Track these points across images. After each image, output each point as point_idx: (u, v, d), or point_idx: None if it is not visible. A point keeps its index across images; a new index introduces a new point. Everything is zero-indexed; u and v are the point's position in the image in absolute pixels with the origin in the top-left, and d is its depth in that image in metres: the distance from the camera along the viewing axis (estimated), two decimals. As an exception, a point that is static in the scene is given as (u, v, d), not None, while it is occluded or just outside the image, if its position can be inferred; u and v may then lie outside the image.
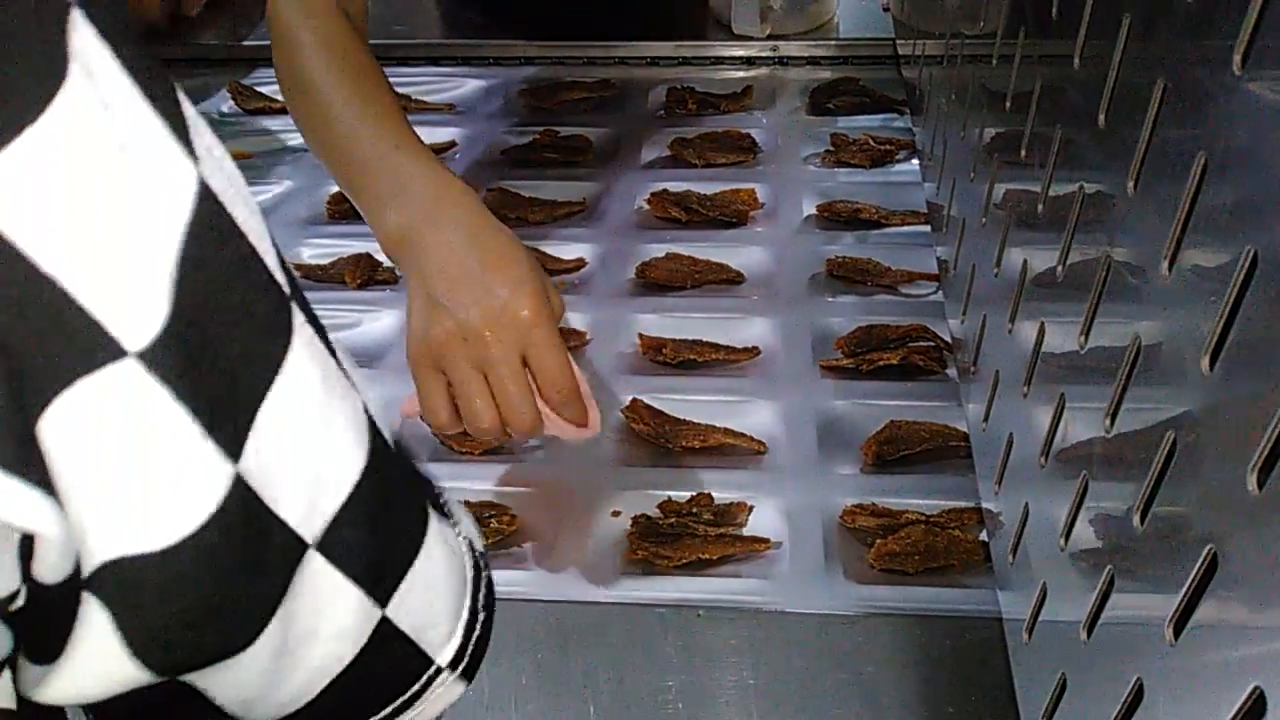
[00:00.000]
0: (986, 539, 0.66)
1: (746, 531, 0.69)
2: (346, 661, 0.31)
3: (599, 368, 0.82)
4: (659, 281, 0.90)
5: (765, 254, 0.94)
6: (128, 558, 0.24)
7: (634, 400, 0.77)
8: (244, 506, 0.26)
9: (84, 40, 0.22)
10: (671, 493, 0.71)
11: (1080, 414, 0.47)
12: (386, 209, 0.65)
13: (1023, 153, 0.59)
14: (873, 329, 0.83)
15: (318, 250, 0.97)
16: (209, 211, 0.25)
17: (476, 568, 0.36)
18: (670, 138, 1.08)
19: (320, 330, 0.29)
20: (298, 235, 0.99)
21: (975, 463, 0.70)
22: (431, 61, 1.29)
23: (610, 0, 1.32)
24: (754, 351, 0.83)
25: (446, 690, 0.35)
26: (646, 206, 0.99)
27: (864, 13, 1.30)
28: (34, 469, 0.22)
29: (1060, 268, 0.51)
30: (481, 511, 0.70)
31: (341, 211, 1.00)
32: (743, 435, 0.75)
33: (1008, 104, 0.63)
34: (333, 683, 0.31)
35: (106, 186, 0.23)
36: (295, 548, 0.28)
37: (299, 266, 0.95)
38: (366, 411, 0.30)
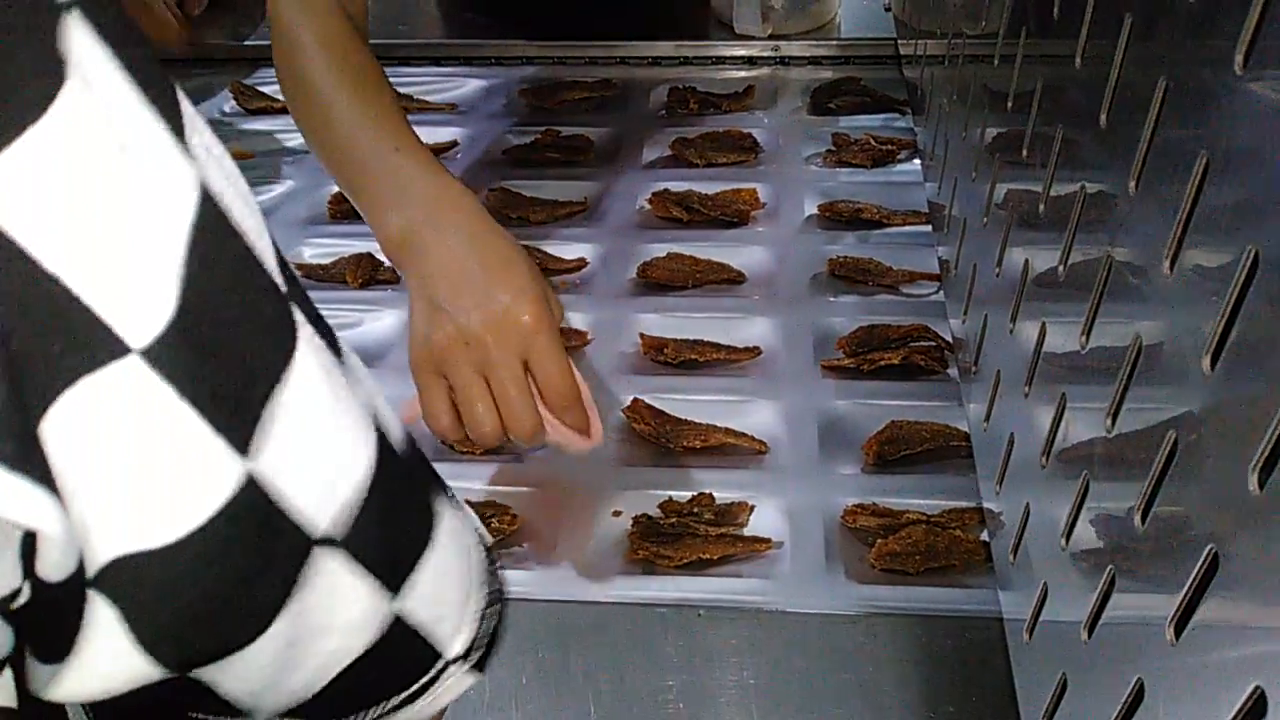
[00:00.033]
0: (987, 539, 0.66)
1: (747, 531, 0.69)
2: (357, 654, 0.31)
3: (600, 367, 0.82)
4: (660, 281, 0.90)
5: (766, 254, 0.94)
6: (134, 555, 0.24)
7: (635, 400, 0.77)
8: (254, 502, 0.26)
9: (82, 41, 0.22)
10: (672, 492, 0.71)
11: (1081, 414, 0.47)
12: (387, 211, 0.65)
13: (1024, 152, 0.59)
14: (874, 329, 0.83)
15: (319, 250, 0.97)
16: (210, 212, 0.25)
17: (487, 560, 0.37)
18: (672, 137, 1.08)
19: (323, 328, 0.29)
20: (299, 235, 0.99)
21: (976, 462, 0.70)
22: (433, 61, 1.29)
23: (612, 0, 1.32)
24: (755, 351, 0.83)
25: (456, 682, 0.35)
26: (648, 206, 1.00)
27: (866, 13, 1.30)
28: (36, 466, 0.22)
29: (1061, 267, 0.51)
30: (482, 511, 0.70)
31: (343, 211, 1.00)
32: (744, 435, 0.75)
33: (1009, 104, 0.63)
34: (342, 674, 0.31)
35: (108, 186, 0.23)
36: (307, 542, 0.28)
37: (300, 266, 0.95)
38: (371, 406, 0.30)
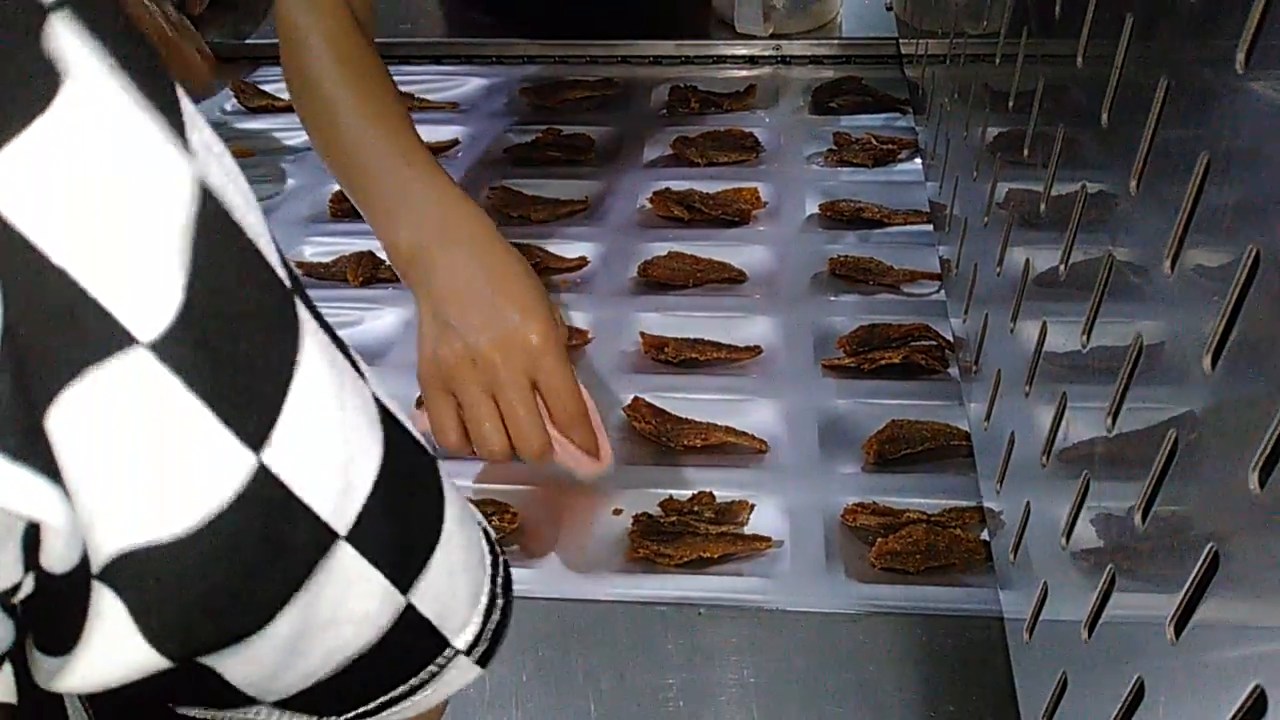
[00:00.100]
0: (988, 538, 0.66)
1: (748, 530, 0.69)
2: (365, 644, 0.31)
3: (601, 366, 0.82)
4: (661, 280, 0.90)
5: (767, 253, 0.94)
6: (141, 548, 0.24)
7: (635, 399, 0.77)
8: (263, 494, 0.26)
9: (70, 41, 0.23)
10: (673, 491, 0.71)
11: (1082, 413, 0.47)
12: (397, 226, 0.66)
13: (1025, 152, 0.59)
14: (875, 328, 0.83)
15: (320, 248, 0.97)
16: (211, 208, 0.25)
17: (493, 553, 0.37)
18: (673, 136, 1.08)
19: (325, 325, 0.29)
20: (300, 233, 0.99)
21: (977, 462, 0.70)
22: (434, 60, 1.29)
23: (613, -1, 1.33)
24: (756, 350, 0.83)
25: (460, 674, 0.35)
26: (649, 205, 1.00)
27: (867, 12, 1.30)
28: (41, 458, 0.22)
29: (1062, 267, 0.51)
30: (482, 509, 0.70)
31: (344, 210, 1.00)
32: (744, 434, 0.75)
33: (1010, 103, 0.63)
34: (349, 663, 0.31)
35: (111, 181, 0.23)
36: (326, 537, 0.28)
37: (301, 264, 0.95)
38: (377, 401, 0.30)
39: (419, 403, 0.76)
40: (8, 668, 0.26)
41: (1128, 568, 0.40)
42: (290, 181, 1.07)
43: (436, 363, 0.63)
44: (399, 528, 0.31)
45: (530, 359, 0.62)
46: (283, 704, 0.32)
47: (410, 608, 0.31)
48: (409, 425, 0.32)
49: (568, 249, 0.95)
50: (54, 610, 0.25)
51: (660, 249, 0.93)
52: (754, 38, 1.25)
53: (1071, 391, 0.49)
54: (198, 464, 0.25)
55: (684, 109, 1.15)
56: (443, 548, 0.32)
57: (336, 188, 1.03)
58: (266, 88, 1.22)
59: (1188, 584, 0.33)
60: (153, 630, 0.25)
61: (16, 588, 0.24)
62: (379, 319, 0.89)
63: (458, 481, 0.71)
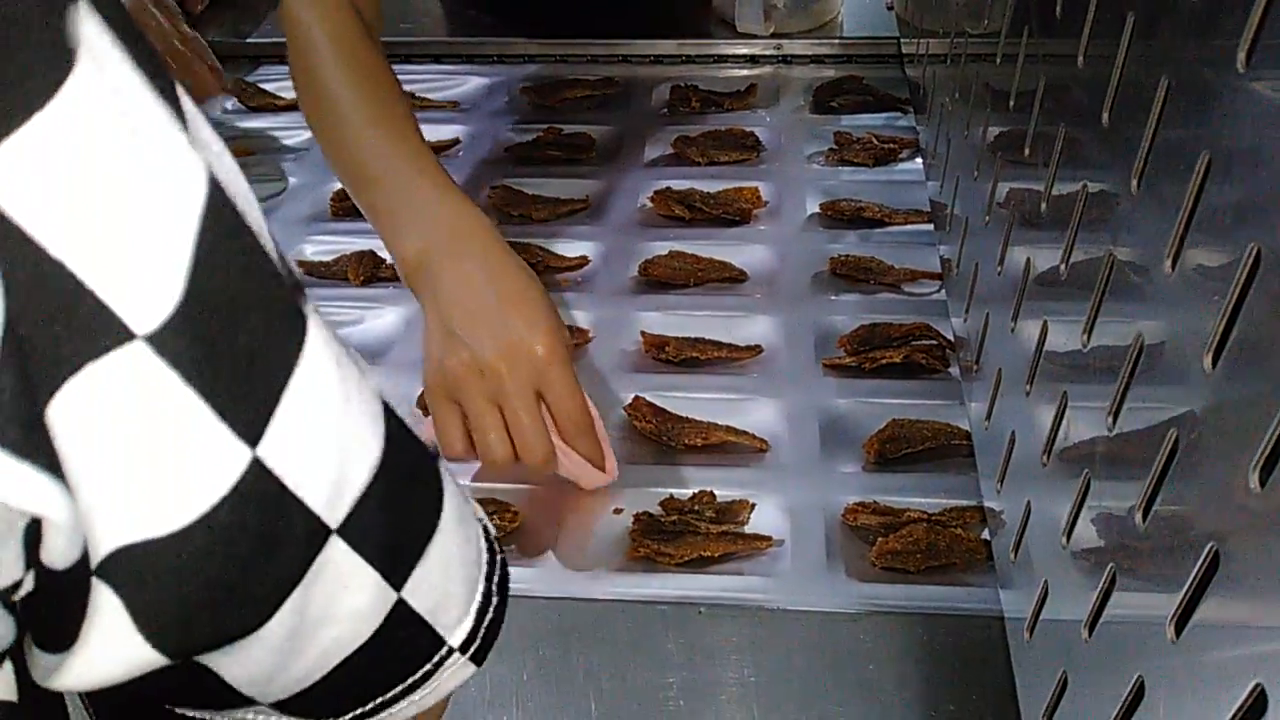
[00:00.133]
0: (988, 537, 0.66)
1: (748, 529, 0.69)
2: (360, 642, 0.31)
3: (601, 365, 0.82)
4: (662, 279, 0.90)
5: (768, 252, 0.94)
6: (138, 543, 0.24)
7: (636, 398, 0.77)
8: (262, 490, 0.26)
9: (91, 29, 0.23)
10: (673, 490, 0.71)
11: (1082, 413, 0.47)
12: (404, 235, 0.66)
13: (1026, 151, 0.59)
14: (875, 327, 0.83)
15: (321, 247, 0.97)
16: (219, 202, 0.25)
17: (491, 550, 0.37)
18: (673, 135, 1.08)
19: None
20: (301, 232, 0.99)
21: (977, 461, 0.70)
22: (435, 59, 1.29)
23: (614, -2, 1.32)
24: (756, 349, 0.83)
25: (456, 672, 0.35)
26: (649, 204, 1.00)
27: (868, 11, 1.30)
28: (42, 453, 0.22)
29: (1063, 266, 0.51)
30: (483, 508, 0.70)
31: (345, 209, 1.00)
32: (745, 433, 0.75)
33: (1011, 103, 0.63)
34: (344, 662, 0.31)
35: (117, 171, 0.23)
36: (319, 532, 0.28)
37: (302, 263, 0.95)
38: (380, 397, 0.30)
39: (419, 402, 0.77)
40: (8, 665, 0.26)
41: (1128, 567, 0.40)
42: (291, 180, 1.07)
43: (443, 372, 0.63)
44: (394, 524, 0.31)
45: (536, 370, 0.63)
46: (281, 705, 0.32)
47: (403, 603, 0.32)
48: (420, 418, 0.32)
49: (568, 248, 0.95)
50: (53, 607, 0.25)
51: (661, 248, 0.93)
52: (755, 37, 1.25)
53: (1072, 391, 0.49)
54: (193, 459, 0.25)
55: (685, 108, 1.15)
56: (437, 544, 0.32)
57: (337, 186, 1.03)
58: (267, 86, 1.22)
59: (1188, 583, 0.33)
60: (150, 627, 0.26)
61: (17, 585, 0.24)
62: (380, 318, 0.89)
63: (462, 481, 0.72)
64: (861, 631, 0.63)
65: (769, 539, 0.68)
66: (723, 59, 1.26)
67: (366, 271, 0.92)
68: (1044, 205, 0.55)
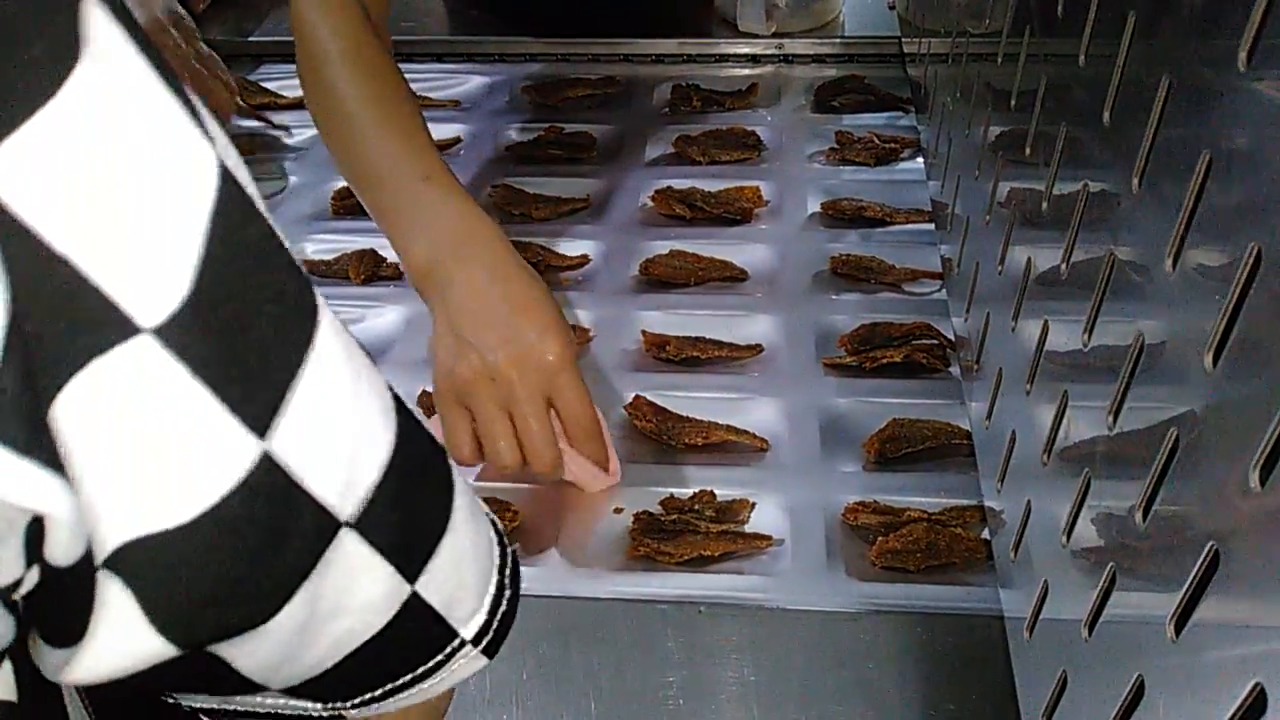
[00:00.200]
0: (988, 537, 0.66)
1: (748, 528, 0.69)
2: (372, 633, 0.31)
3: (602, 364, 0.82)
4: (663, 278, 0.90)
5: (769, 251, 0.94)
6: (147, 536, 0.24)
7: (637, 397, 0.77)
8: (272, 483, 0.26)
9: (99, 21, 0.23)
10: (674, 489, 0.71)
11: (1083, 412, 0.47)
12: (413, 240, 0.66)
13: (1027, 151, 0.59)
14: (876, 327, 0.83)
15: (322, 246, 0.97)
16: (231, 192, 0.25)
17: (502, 545, 0.37)
18: (675, 135, 1.08)
19: None
20: (302, 231, 0.99)
21: (978, 461, 0.70)
22: (436, 58, 1.29)
23: (615, -3, 1.32)
24: (757, 349, 0.83)
25: (468, 663, 0.35)
26: (650, 203, 0.99)
27: (869, 11, 1.29)
28: (46, 450, 0.22)
29: (1064, 266, 0.51)
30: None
31: (346, 207, 1.00)
32: (745, 432, 0.75)
33: (1012, 102, 0.63)
34: (356, 651, 0.31)
35: (124, 165, 0.23)
36: (329, 525, 0.28)
37: (303, 262, 0.95)
38: (391, 390, 0.30)
39: (420, 401, 0.77)
40: (7, 664, 0.26)
41: (1128, 566, 0.40)
42: (292, 179, 1.07)
43: (453, 377, 0.64)
44: (407, 517, 0.31)
45: (546, 376, 0.63)
46: (290, 690, 0.32)
47: (417, 596, 0.32)
48: (421, 417, 0.32)
49: (569, 247, 0.95)
50: (58, 603, 0.25)
51: (662, 247, 0.93)
52: (756, 36, 1.24)
53: (1073, 390, 0.49)
54: (202, 452, 0.25)
55: (686, 107, 1.15)
56: (450, 537, 0.33)
57: (339, 185, 1.03)
58: (269, 85, 1.22)
59: (1188, 583, 0.33)
60: (160, 618, 0.26)
61: (18, 583, 0.24)
62: (381, 316, 0.89)
63: (468, 480, 0.72)
64: (861, 631, 0.63)
65: (769, 538, 0.68)
66: (724, 58, 1.26)
67: (367, 270, 0.92)
68: (1045, 205, 0.55)
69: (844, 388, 0.79)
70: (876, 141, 1.06)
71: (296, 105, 1.16)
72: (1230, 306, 0.32)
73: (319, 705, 0.33)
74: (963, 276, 0.77)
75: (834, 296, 0.88)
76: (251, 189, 0.26)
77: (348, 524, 0.28)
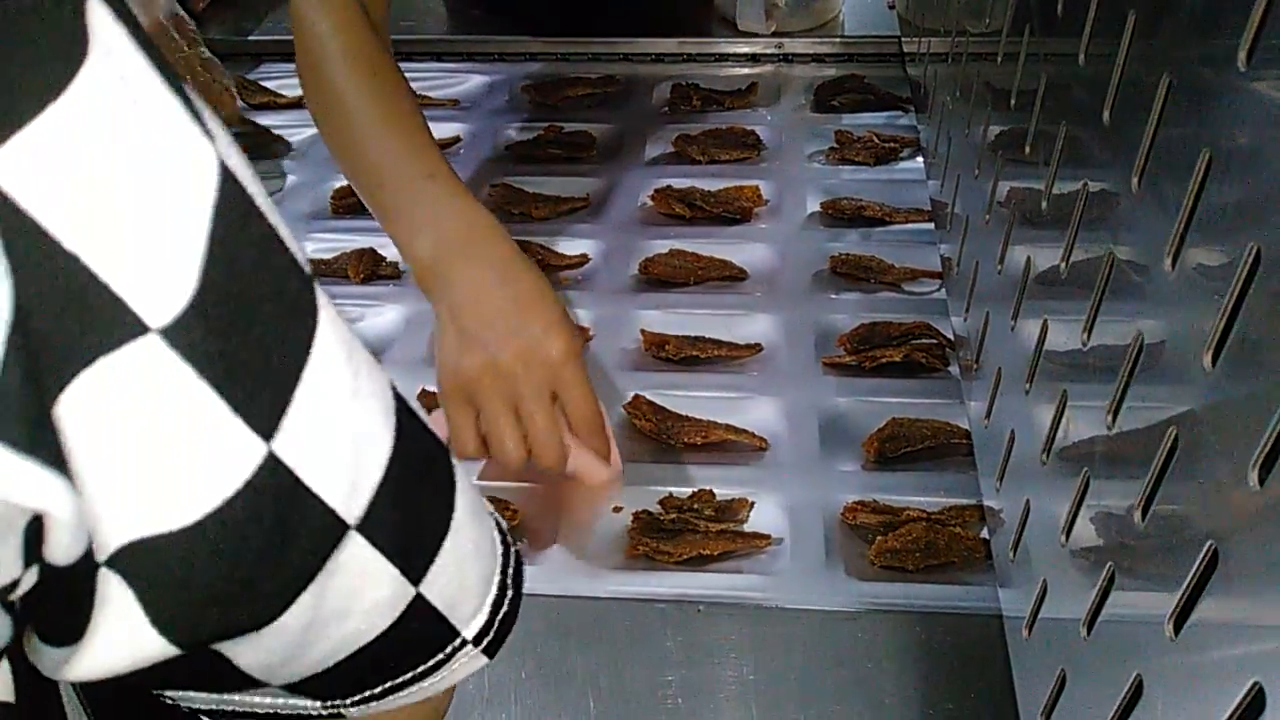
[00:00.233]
0: (987, 536, 0.66)
1: (747, 528, 0.69)
2: (375, 634, 0.31)
3: (602, 363, 0.82)
4: (662, 277, 0.90)
5: (768, 250, 0.94)
6: (151, 537, 0.24)
7: (636, 396, 0.77)
8: (277, 484, 0.26)
9: (102, 19, 0.23)
10: (673, 488, 0.71)
11: (1082, 411, 0.47)
12: (416, 237, 0.67)
13: (1027, 150, 0.59)
14: (875, 326, 0.83)
15: (321, 244, 0.97)
16: (233, 190, 0.25)
17: (505, 544, 0.37)
18: (674, 134, 1.08)
19: None
20: (301, 229, 0.99)
21: (977, 460, 0.70)
22: (436, 57, 1.29)
23: (615, -4, 1.32)
24: (756, 348, 0.83)
25: (468, 663, 0.35)
26: (650, 202, 0.99)
27: (869, 10, 1.29)
28: (47, 449, 0.22)
29: (1063, 265, 0.51)
30: (483, 506, 0.70)
31: (345, 206, 1.00)
32: (744, 431, 0.75)
33: (1012, 101, 0.63)
34: (358, 651, 0.31)
35: (131, 163, 0.23)
36: (336, 527, 0.28)
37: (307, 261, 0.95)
38: (392, 388, 0.30)
39: (418, 398, 0.77)
40: (5, 664, 0.26)
41: (1127, 565, 0.40)
42: (291, 178, 1.07)
43: (458, 373, 0.64)
44: (410, 517, 0.31)
45: (552, 371, 0.64)
46: (290, 686, 0.32)
47: (420, 597, 0.32)
48: (422, 415, 0.32)
49: (569, 246, 0.95)
50: (57, 602, 0.25)
51: (661, 246, 0.93)
52: (756, 35, 1.24)
53: (1072, 390, 0.49)
54: (208, 453, 0.25)
55: (686, 106, 1.15)
56: (453, 537, 0.32)
57: (338, 184, 1.03)
58: (268, 84, 1.22)
59: (1187, 582, 0.33)
60: (162, 618, 0.25)
61: (16, 584, 0.24)
62: (380, 315, 0.89)
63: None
64: (860, 630, 0.63)
65: (768, 537, 0.68)
66: (724, 57, 1.26)
67: (366, 269, 0.92)
68: (1044, 204, 0.55)
69: (843, 387, 0.79)
70: (876, 141, 1.06)
71: (296, 104, 1.16)
72: (1229, 306, 0.32)
73: (318, 703, 0.33)
74: (962, 276, 0.77)
75: (833, 296, 0.88)
76: (253, 187, 0.26)
77: (350, 523, 0.28)
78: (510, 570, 0.36)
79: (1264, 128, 0.31)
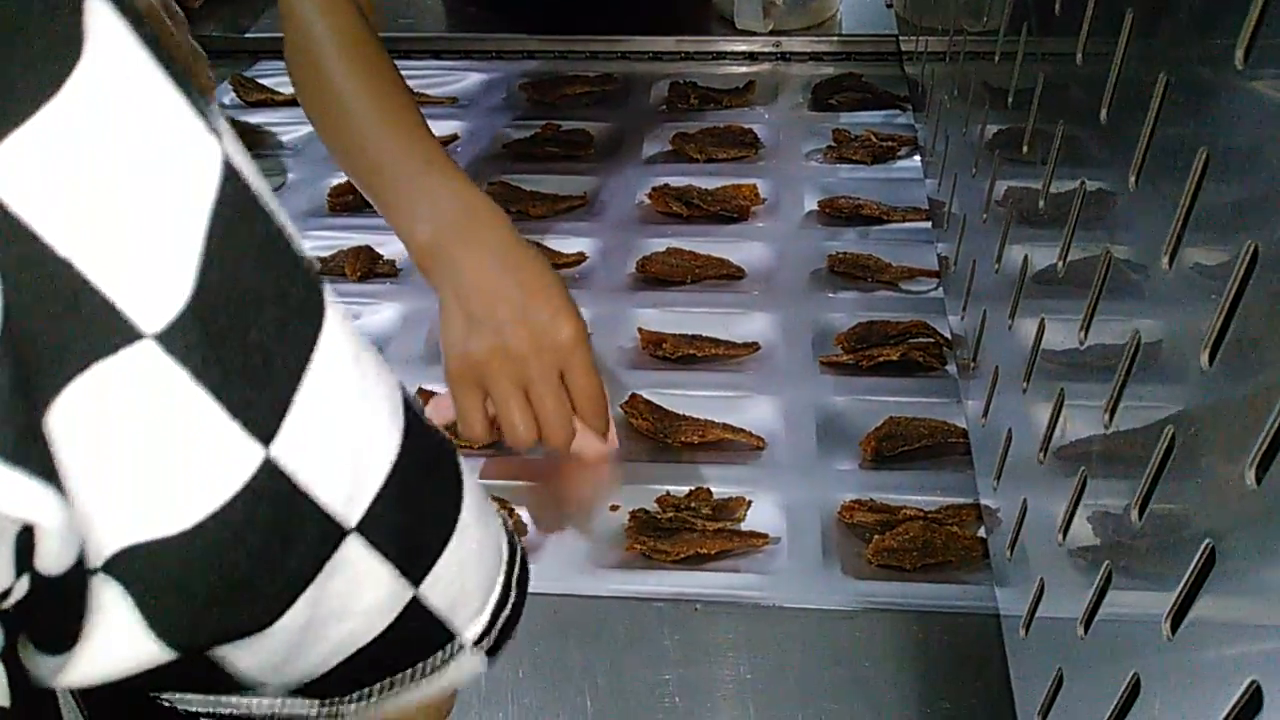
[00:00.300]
0: (984, 535, 0.66)
1: (745, 526, 0.69)
2: (373, 636, 0.31)
3: (599, 362, 0.82)
4: (659, 276, 0.90)
5: (766, 249, 0.94)
6: (147, 542, 0.24)
7: (633, 395, 0.77)
8: (275, 489, 0.26)
9: (103, 16, 0.22)
10: (670, 487, 0.71)
11: (1079, 410, 0.47)
12: (418, 223, 0.67)
13: (1024, 149, 0.59)
14: (873, 325, 0.83)
15: (319, 243, 0.97)
16: (235, 189, 0.24)
17: (511, 546, 0.36)
18: (672, 132, 1.08)
19: None
20: (299, 227, 0.96)
21: (974, 459, 0.70)
22: (433, 55, 1.29)
23: (613, -5, 1.32)
24: (754, 347, 0.83)
25: (470, 664, 0.35)
26: (647, 201, 0.99)
27: (867, 9, 1.30)
28: (36, 459, 0.22)
29: (1061, 264, 0.51)
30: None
31: (343, 204, 1.00)
32: (742, 430, 0.75)
33: (1010, 100, 0.63)
34: (356, 653, 0.31)
35: (126, 165, 0.22)
36: (334, 531, 0.28)
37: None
38: (400, 389, 0.30)
39: (418, 395, 0.77)
40: (0, 669, 0.26)
41: (1124, 564, 0.40)
42: (289, 176, 1.07)
43: (467, 356, 0.65)
44: (412, 519, 0.30)
45: (561, 355, 0.64)
46: (288, 689, 0.32)
47: (419, 598, 0.31)
48: (429, 417, 0.32)
49: (566, 244, 0.95)
50: (49, 610, 0.25)
51: (659, 245, 0.93)
52: (754, 34, 1.24)
53: (1069, 388, 0.49)
54: (205, 458, 0.24)
55: (683, 105, 1.15)
56: (457, 538, 0.32)
57: (335, 182, 1.03)
58: (265, 82, 1.22)
59: (1184, 581, 0.33)
60: (159, 623, 0.25)
61: (7, 593, 0.23)
62: (377, 314, 0.89)
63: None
64: (857, 629, 0.63)
65: (765, 536, 0.68)
66: (721, 56, 1.26)
67: (363, 267, 0.92)
68: (1042, 203, 0.55)
69: (840, 386, 0.79)
70: (874, 139, 1.06)
71: (293, 101, 1.16)
72: (1227, 305, 0.32)
73: (316, 703, 0.33)
74: (959, 275, 0.77)
75: (831, 294, 0.88)
76: (258, 186, 0.25)
77: (353, 530, 0.28)
78: (515, 573, 0.36)
79: (1261, 126, 0.31)
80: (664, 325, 0.85)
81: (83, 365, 0.22)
